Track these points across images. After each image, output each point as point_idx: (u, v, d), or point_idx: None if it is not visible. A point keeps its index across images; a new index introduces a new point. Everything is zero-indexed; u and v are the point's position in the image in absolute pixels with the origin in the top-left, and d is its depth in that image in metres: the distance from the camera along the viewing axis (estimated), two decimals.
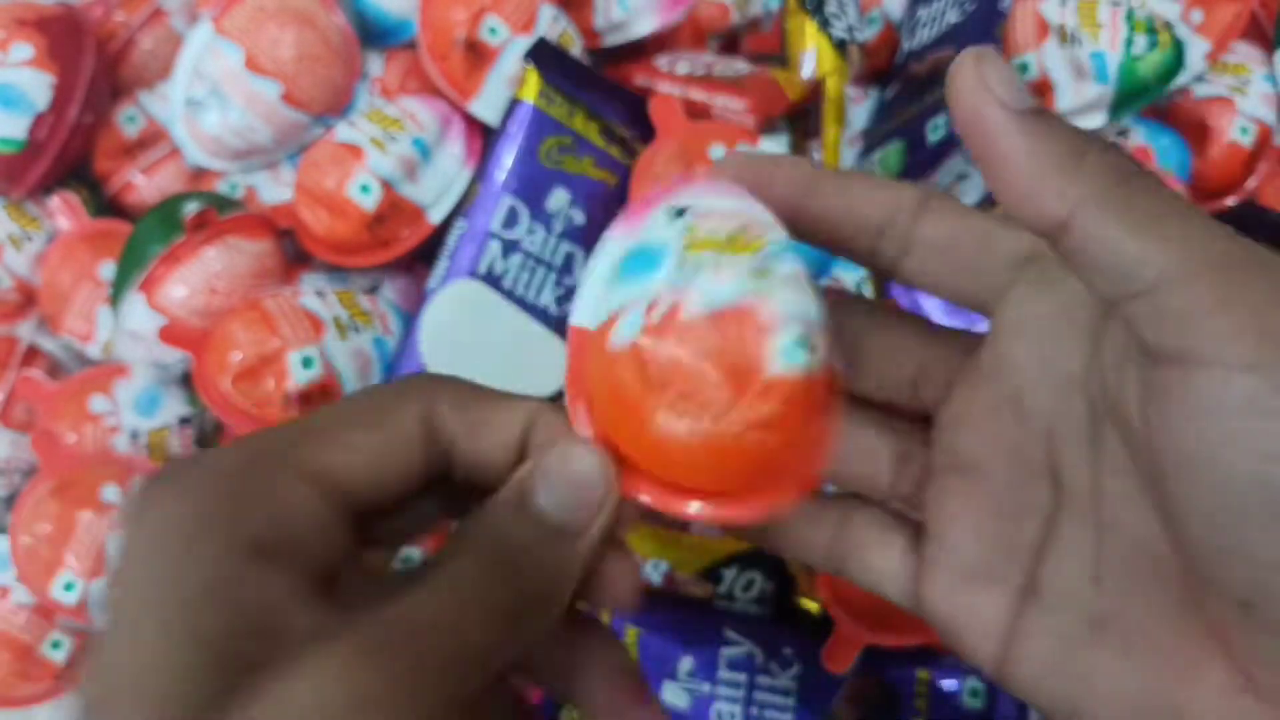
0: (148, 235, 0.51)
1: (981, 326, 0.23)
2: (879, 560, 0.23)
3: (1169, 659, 0.19)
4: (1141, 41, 0.52)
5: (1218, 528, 0.17)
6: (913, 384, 0.24)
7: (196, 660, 0.16)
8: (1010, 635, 0.21)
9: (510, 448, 0.21)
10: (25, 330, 0.57)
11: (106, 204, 0.58)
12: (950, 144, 0.48)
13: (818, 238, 0.23)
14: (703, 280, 0.19)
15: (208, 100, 0.52)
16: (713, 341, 0.19)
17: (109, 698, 0.17)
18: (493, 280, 0.49)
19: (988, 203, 0.54)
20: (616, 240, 0.22)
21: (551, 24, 0.52)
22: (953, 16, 0.54)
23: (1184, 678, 0.18)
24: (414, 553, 0.47)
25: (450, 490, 0.22)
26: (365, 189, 0.50)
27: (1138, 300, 0.17)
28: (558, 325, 0.51)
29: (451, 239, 0.50)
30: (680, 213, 0.21)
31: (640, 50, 0.57)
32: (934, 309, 0.50)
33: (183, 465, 0.19)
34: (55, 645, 0.52)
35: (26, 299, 0.57)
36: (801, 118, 0.55)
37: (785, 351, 0.19)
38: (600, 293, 0.21)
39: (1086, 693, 0.20)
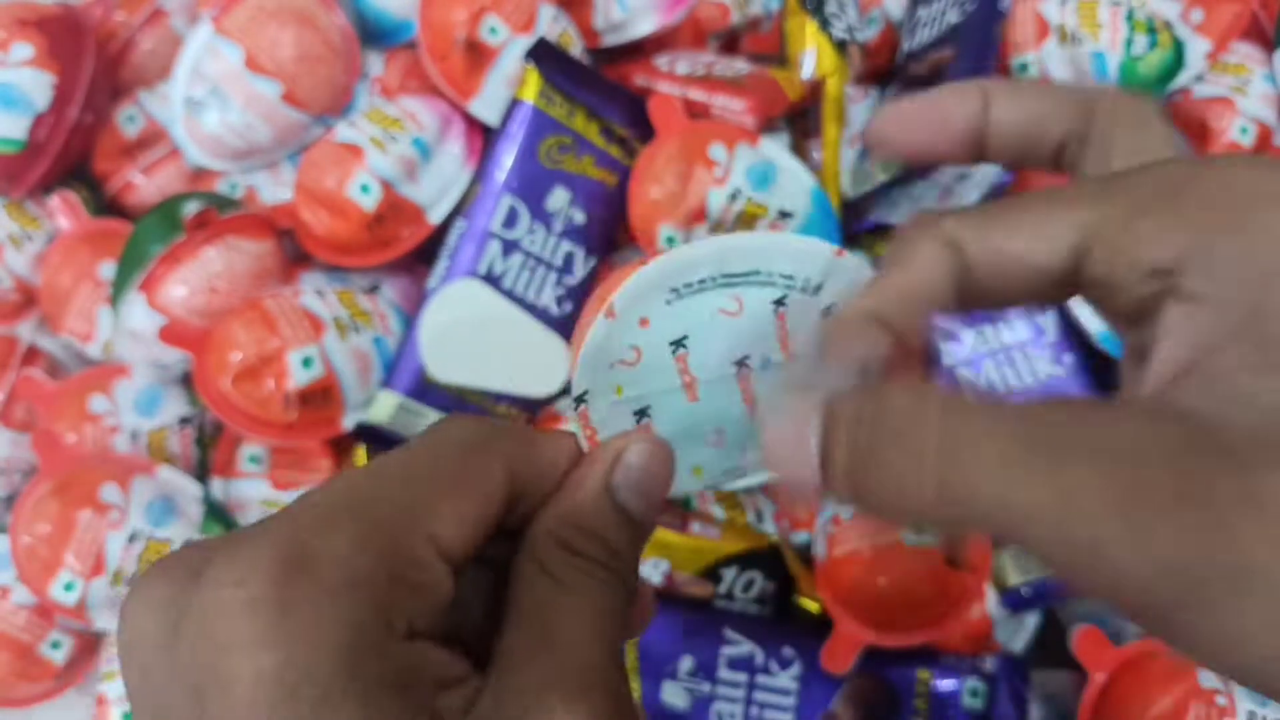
0: (148, 235, 0.51)
1: None
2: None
3: None
4: (1142, 41, 0.52)
5: None
6: None
7: None
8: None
9: (557, 479, 0.22)
10: (25, 330, 0.57)
11: (106, 204, 0.58)
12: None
13: (1001, 157, 0.22)
14: None
15: (208, 100, 0.52)
16: None
17: None
18: (493, 280, 0.49)
19: (990, 196, 0.54)
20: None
21: (551, 24, 0.52)
22: (953, 17, 0.54)
23: None
24: None
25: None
26: (365, 189, 0.50)
27: None
28: (558, 325, 0.51)
29: (451, 239, 0.50)
30: None
31: (640, 50, 0.57)
32: None
33: (306, 557, 0.17)
34: (55, 645, 0.52)
35: (26, 299, 0.57)
36: (801, 118, 0.55)
37: None
38: None
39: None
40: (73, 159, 0.57)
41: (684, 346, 0.23)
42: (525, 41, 0.51)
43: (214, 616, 0.16)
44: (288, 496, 0.53)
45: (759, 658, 0.45)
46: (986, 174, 0.52)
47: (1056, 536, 0.15)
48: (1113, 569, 0.15)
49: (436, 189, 0.52)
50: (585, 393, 0.24)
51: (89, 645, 0.53)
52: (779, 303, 0.23)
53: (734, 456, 0.24)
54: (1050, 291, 0.19)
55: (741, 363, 0.24)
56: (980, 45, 0.51)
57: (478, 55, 0.51)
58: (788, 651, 0.45)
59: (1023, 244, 0.19)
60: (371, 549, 0.18)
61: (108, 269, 0.53)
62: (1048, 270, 0.19)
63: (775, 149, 0.50)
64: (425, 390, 0.49)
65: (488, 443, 0.21)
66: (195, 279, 0.50)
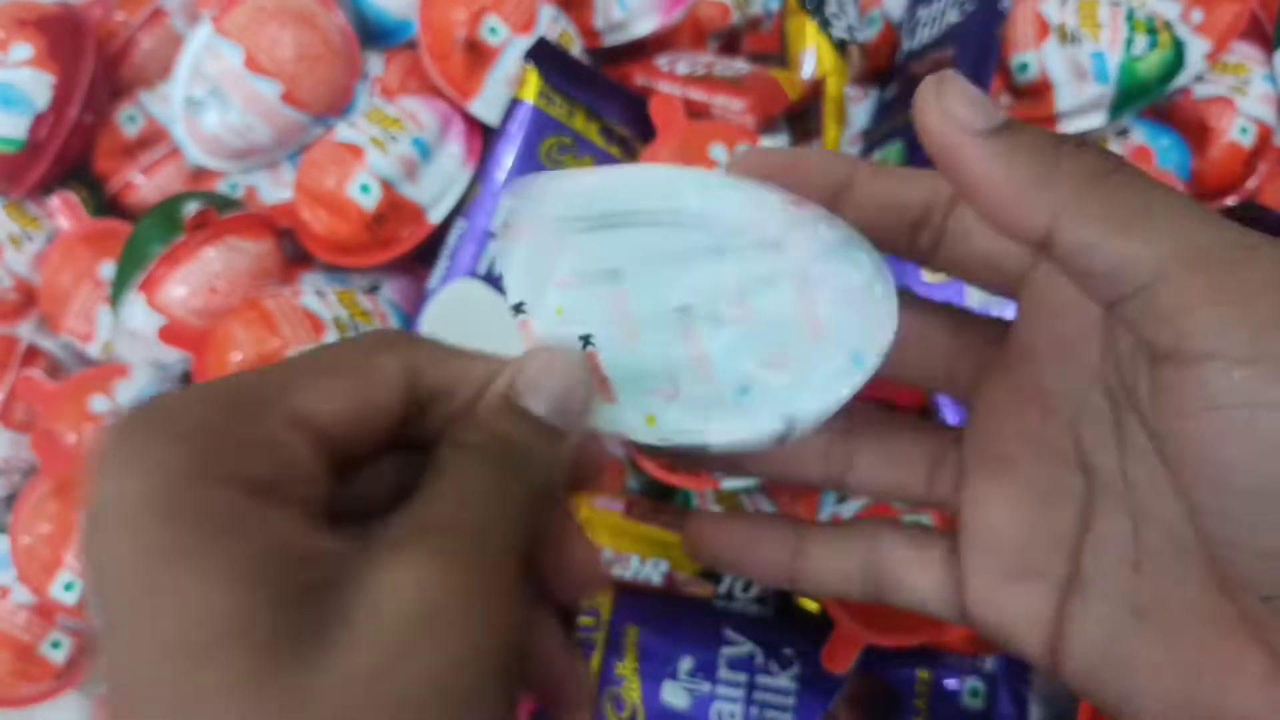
0: (148, 235, 0.51)
1: (1010, 312, 0.23)
2: (918, 576, 0.23)
3: (1207, 648, 0.18)
4: (1142, 41, 0.52)
5: (1230, 522, 0.17)
6: (947, 375, 0.24)
7: (261, 595, 0.16)
8: (1058, 628, 0.21)
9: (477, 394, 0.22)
10: (25, 330, 0.57)
11: (106, 204, 0.58)
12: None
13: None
14: None
15: (208, 100, 0.52)
16: None
17: (181, 652, 0.16)
18: (493, 280, 0.49)
19: None
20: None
21: (551, 24, 0.52)
22: (953, 16, 0.54)
23: (1222, 668, 0.18)
24: None
25: (409, 452, 0.22)
26: (365, 189, 0.50)
27: (1130, 301, 0.17)
28: None
29: (451, 239, 0.50)
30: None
31: (640, 50, 0.57)
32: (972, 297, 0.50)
33: (161, 407, 0.18)
34: (55, 645, 0.52)
35: (26, 299, 0.57)
36: (801, 118, 0.55)
37: None
38: None
39: (1132, 683, 0.19)
40: (73, 159, 0.57)
41: (619, 282, 0.22)
42: (525, 41, 0.51)
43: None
44: None
45: (759, 658, 0.45)
46: None
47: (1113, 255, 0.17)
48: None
49: (436, 189, 0.52)
50: (522, 303, 0.22)
51: (89, 645, 0.53)
52: (717, 251, 0.22)
53: (694, 419, 0.22)
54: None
55: (686, 310, 0.22)
56: (980, 45, 0.51)
57: (478, 55, 0.51)
58: (788, 651, 0.45)
59: (887, 197, 0.22)
60: (219, 408, 0.18)
61: (108, 269, 0.53)
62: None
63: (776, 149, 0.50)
64: None
65: (389, 344, 0.21)
66: (195, 279, 0.50)
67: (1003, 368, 0.22)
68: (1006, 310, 0.23)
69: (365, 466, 0.21)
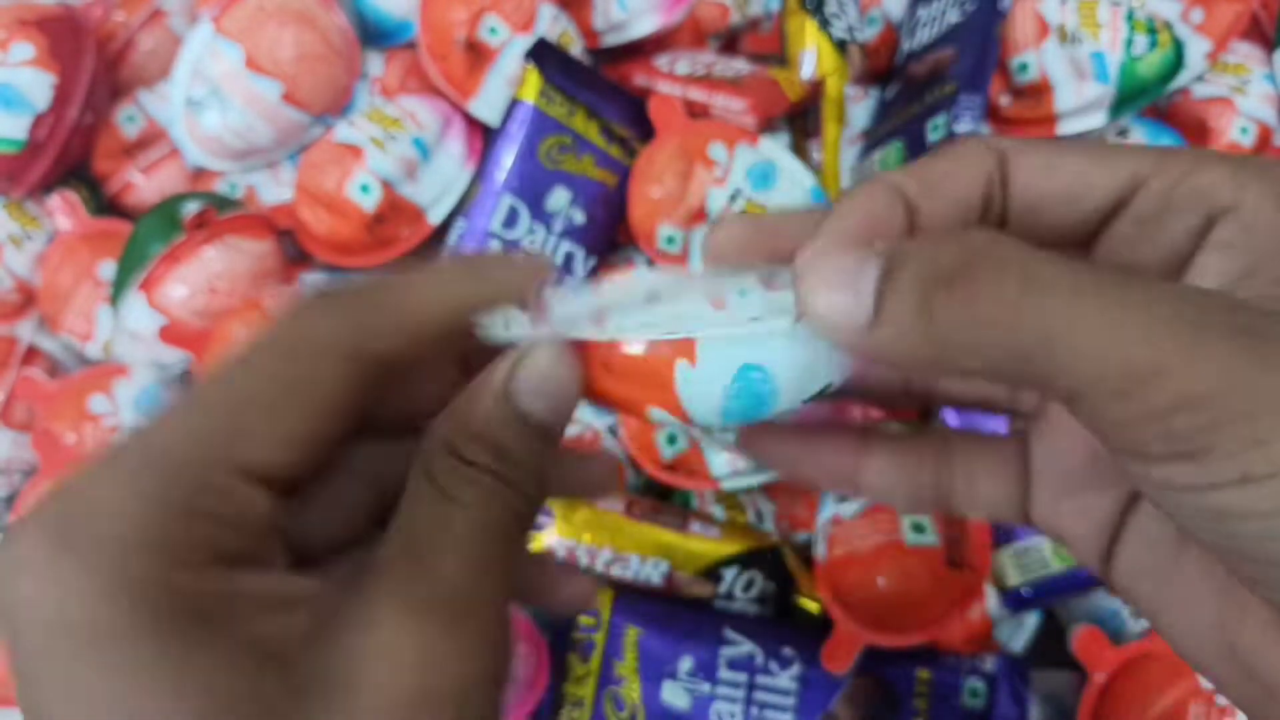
0: (148, 235, 0.51)
1: None
2: (990, 482, 0.23)
3: (1230, 589, 0.19)
4: (1142, 41, 0.52)
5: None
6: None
7: (248, 674, 0.16)
8: (1113, 535, 0.21)
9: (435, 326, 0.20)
10: (25, 330, 0.57)
11: (106, 204, 0.58)
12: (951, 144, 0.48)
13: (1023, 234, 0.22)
14: None
15: (208, 100, 0.52)
16: None
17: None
18: None
19: None
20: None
21: (551, 24, 0.52)
22: (953, 16, 0.54)
23: (1237, 606, 0.19)
24: None
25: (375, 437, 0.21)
26: (365, 189, 0.50)
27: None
28: None
29: (451, 239, 0.50)
30: None
31: (640, 50, 0.57)
32: None
33: (110, 475, 0.17)
34: None
35: (26, 299, 0.57)
36: (801, 118, 0.55)
37: None
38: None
39: (1167, 597, 0.20)
40: (73, 159, 0.57)
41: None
42: (525, 41, 0.51)
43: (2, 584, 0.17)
44: None
45: (759, 658, 0.45)
46: None
47: (1116, 355, 0.15)
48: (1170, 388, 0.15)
49: (436, 189, 0.52)
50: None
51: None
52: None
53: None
54: (1082, 224, 0.20)
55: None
56: (980, 45, 0.51)
57: (477, 55, 0.51)
58: (788, 651, 0.45)
59: (1078, 164, 0.19)
60: (149, 488, 0.17)
61: (108, 269, 0.53)
62: (1097, 193, 0.19)
63: (775, 149, 0.50)
64: None
65: (319, 341, 0.19)
66: (195, 279, 0.50)
67: None
68: None
69: (327, 473, 0.20)
